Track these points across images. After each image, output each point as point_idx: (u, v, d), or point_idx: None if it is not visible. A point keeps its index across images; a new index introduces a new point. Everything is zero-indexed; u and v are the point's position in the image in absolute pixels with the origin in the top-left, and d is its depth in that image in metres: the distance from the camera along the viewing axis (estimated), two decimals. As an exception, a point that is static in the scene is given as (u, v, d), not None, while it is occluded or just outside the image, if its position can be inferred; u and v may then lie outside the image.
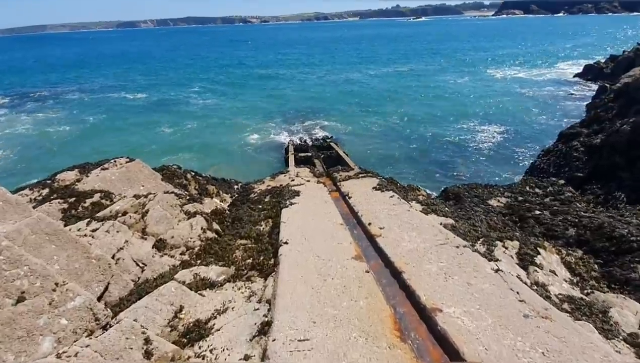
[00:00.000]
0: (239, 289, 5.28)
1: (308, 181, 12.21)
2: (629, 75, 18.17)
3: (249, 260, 6.09)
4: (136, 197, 7.58)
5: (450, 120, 29.09)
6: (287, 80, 52.80)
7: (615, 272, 6.24)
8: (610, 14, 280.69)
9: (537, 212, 8.89)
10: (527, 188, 11.97)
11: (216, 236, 7.23)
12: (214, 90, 46.32)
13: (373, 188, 9.98)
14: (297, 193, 9.96)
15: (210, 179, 12.71)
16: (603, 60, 43.48)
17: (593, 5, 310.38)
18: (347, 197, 9.41)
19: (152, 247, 6.28)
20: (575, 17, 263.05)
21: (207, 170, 19.91)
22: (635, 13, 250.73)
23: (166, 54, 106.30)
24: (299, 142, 23.45)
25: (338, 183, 11.03)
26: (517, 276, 5.27)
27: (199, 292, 5.16)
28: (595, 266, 6.66)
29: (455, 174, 19.56)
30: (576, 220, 8.04)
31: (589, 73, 42.58)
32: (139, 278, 5.69)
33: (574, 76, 44.42)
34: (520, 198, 10.74)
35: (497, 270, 4.97)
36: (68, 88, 50.46)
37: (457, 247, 5.66)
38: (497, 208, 9.87)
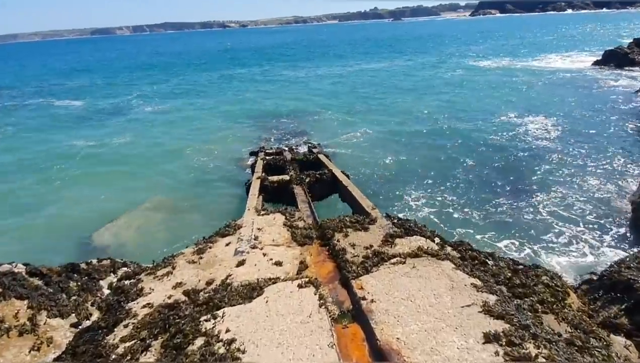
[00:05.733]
0: None
1: (277, 264, 4.92)
2: None
3: None
4: None
5: (481, 115, 22.20)
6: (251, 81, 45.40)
7: None
8: (583, 11, 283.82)
9: None
10: None
11: None
12: (161, 94, 38.47)
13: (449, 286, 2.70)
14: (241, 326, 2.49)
15: (47, 274, 5.27)
16: (626, 45, 38.15)
17: (567, 4, 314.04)
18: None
19: None
20: (552, 14, 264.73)
21: (105, 213, 12.51)
22: (605, 10, 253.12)
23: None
24: (270, 153, 15.79)
25: (347, 272, 3.65)
26: None
27: None
28: None
29: (523, 201, 12.46)
30: None
31: (612, 60, 36.77)
32: None
33: (593, 64, 38.53)
34: None
35: None
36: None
37: None
38: None
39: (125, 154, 19.66)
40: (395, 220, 6.80)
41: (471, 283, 4.17)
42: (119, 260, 6.09)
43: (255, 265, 5.41)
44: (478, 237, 10.73)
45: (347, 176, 11.49)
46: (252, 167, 13.85)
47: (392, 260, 4.97)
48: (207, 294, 4.70)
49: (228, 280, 5.01)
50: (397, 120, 22.66)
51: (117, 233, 11.75)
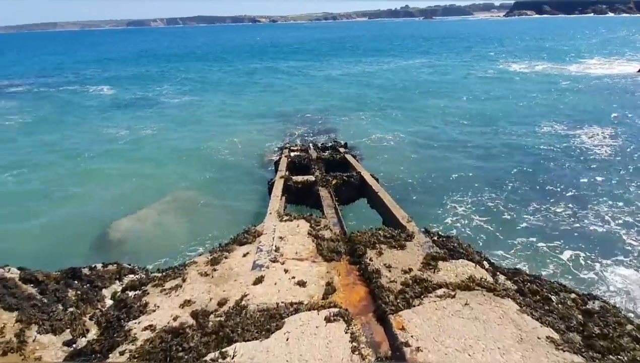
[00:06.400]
0: None
1: (300, 284, 4.13)
2: None
3: None
4: None
5: (524, 122, 20.76)
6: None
7: None
8: (625, 15, 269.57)
9: None
10: None
11: None
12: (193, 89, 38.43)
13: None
14: None
15: (43, 281, 4.72)
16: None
17: (608, 7, 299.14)
18: None
19: None
20: (591, 17, 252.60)
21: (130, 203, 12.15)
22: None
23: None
24: (295, 150, 15.05)
25: (384, 303, 2.82)
26: None
27: None
28: None
29: (586, 210, 11.21)
30: None
31: (664, 66, 34.20)
32: None
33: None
34: None
35: None
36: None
37: None
38: None
39: (150, 144, 19.46)
40: (436, 237, 5.95)
41: (546, 336, 3.31)
42: (126, 265, 5.51)
43: (276, 284, 4.70)
44: (540, 244, 9.70)
45: (377, 180, 10.66)
46: (276, 164, 13.19)
47: (438, 292, 4.14)
48: (218, 319, 4.02)
49: (243, 302, 4.31)
50: (430, 122, 21.49)
51: (134, 227, 11.35)
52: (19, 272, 4.58)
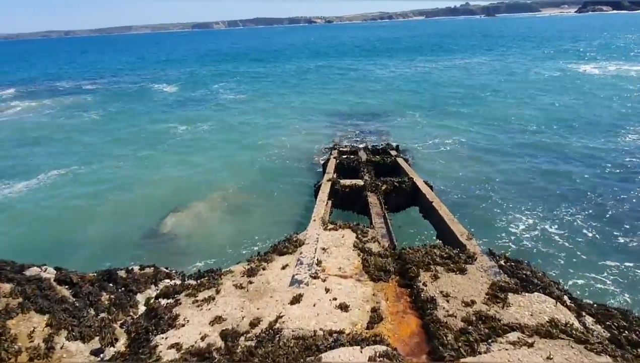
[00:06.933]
0: None
1: (342, 308, 3.54)
2: None
3: None
4: None
5: (599, 129, 18.48)
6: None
7: None
8: None
9: None
10: None
11: None
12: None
13: None
14: None
15: (77, 283, 4.59)
16: None
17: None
18: None
19: None
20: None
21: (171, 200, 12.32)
22: None
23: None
24: (344, 151, 14.46)
25: (442, 346, 2.81)
26: None
27: None
28: None
29: None
30: None
31: None
32: None
33: None
34: None
35: None
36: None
37: None
38: None
39: (204, 140, 19.97)
40: (503, 261, 5.10)
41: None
42: (163, 269, 5.30)
43: (315, 305, 4.19)
44: (634, 270, 8.34)
45: (431, 187, 9.80)
46: (324, 165, 12.74)
47: (510, 337, 3.39)
48: (249, 343, 3.59)
49: (278, 324, 3.85)
50: (491, 127, 19.83)
51: (180, 225, 11.47)
52: (55, 272, 4.49)
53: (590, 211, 11.05)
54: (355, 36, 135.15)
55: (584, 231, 10.10)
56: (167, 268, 5.43)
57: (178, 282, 5.16)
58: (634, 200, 11.55)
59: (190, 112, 27.14)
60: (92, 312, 4.22)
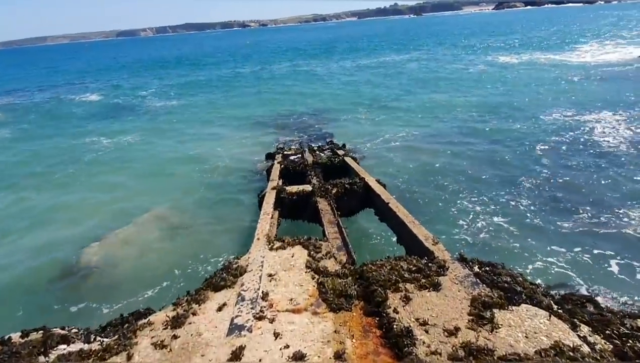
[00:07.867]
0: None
1: (297, 359, 2.44)
2: None
3: None
4: None
5: (529, 114, 19.21)
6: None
7: None
8: (615, 2, 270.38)
9: None
10: None
11: None
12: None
13: None
14: None
15: None
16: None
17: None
18: None
19: None
20: (588, 6, 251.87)
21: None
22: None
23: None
24: (288, 154, 13.42)
25: None
26: None
27: None
28: None
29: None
30: None
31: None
32: None
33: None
34: None
35: None
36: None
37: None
38: None
39: (129, 153, 17.93)
40: (477, 267, 4.45)
41: None
42: (58, 330, 3.99)
43: (260, 361, 3.18)
44: (581, 254, 8.17)
45: (384, 186, 9.15)
46: (268, 171, 11.68)
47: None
48: None
49: (210, 400, 2.80)
50: (429, 119, 19.94)
51: (104, 255, 9.79)
52: None
53: (530, 194, 11.12)
54: (289, 40, 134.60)
55: (528, 216, 10.05)
56: (64, 328, 4.11)
57: (79, 345, 3.87)
58: (566, 178, 11.86)
59: (114, 123, 24.54)
60: None
